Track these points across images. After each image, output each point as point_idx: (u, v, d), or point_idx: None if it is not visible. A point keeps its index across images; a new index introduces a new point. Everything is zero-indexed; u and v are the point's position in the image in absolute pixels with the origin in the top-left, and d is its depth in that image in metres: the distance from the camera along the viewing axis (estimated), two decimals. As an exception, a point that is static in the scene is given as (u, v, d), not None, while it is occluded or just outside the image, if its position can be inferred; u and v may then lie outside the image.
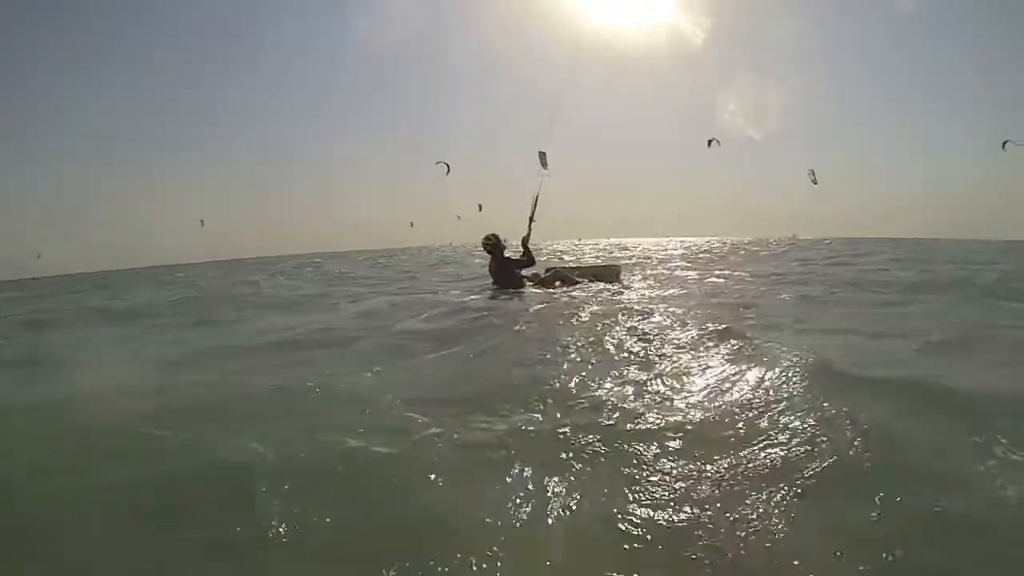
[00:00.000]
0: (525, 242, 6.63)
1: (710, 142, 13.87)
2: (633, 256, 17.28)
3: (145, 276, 23.74)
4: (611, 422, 2.19)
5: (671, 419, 2.20)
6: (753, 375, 2.72)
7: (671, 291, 6.71)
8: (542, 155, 13.32)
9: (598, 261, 13.58)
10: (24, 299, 13.38)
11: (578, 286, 6.75)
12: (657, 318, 4.43)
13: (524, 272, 6.82)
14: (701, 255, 17.24)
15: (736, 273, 9.50)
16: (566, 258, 16.01)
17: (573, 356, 3.34)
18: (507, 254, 6.80)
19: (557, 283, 6.84)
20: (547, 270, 7.44)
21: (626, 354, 3.29)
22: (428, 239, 46.11)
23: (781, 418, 2.16)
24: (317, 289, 9.81)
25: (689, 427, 2.12)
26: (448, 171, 16.37)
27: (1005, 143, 14.13)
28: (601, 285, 6.91)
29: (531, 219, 6.65)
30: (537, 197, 6.71)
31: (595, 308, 5.09)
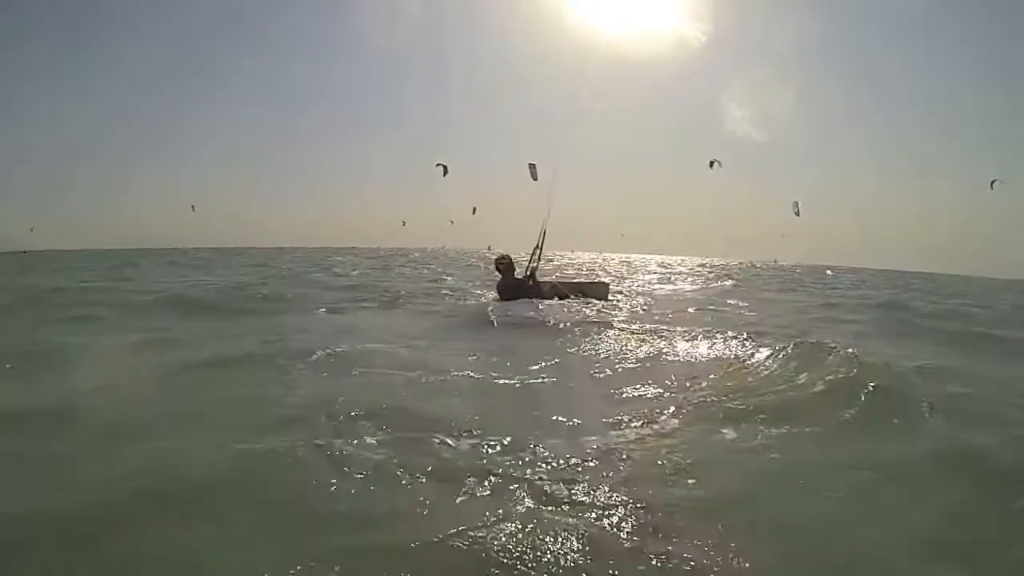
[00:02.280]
0: (533, 272, 6.99)
1: (712, 163, 14.35)
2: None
3: (163, 257, 24.34)
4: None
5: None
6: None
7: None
8: (532, 167, 13.57)
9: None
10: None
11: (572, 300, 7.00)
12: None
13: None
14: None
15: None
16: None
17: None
18: (517, 274, 7.09)
19: (555, 297, 7.03)
20: (544, 283, 7.48)
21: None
22: (420, 241, 46.12)
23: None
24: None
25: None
26: (446, 173, 16.36)
27: (993, 183, 14.93)
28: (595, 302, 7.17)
29: (539, 249, 7.05)
30: (544, 232, 7.15)
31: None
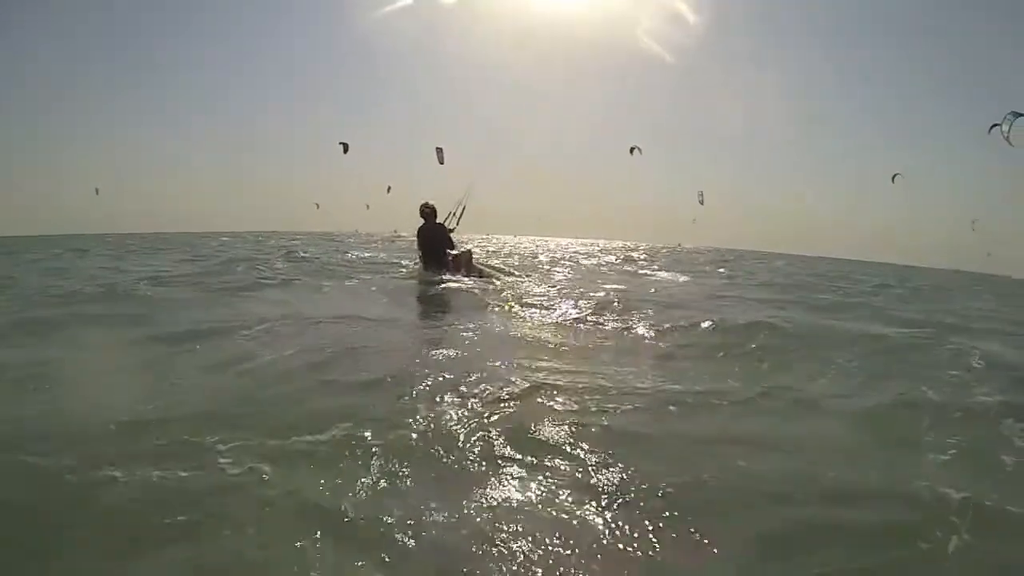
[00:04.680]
0: (452, 229, 7.82)
1: (632, 149, 14.52)
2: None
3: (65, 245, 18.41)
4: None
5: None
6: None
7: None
8: (439, 151, 13.71)
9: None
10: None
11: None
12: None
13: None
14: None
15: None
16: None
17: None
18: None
19: (461, 270, 7.56)
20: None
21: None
22: (332, 224, 43.62)
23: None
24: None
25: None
26: (346, 151, 15.68)
27: (895, 176, 15.87)
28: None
29: (458, 215, 7.86)
30: (464, 204, 7.94)
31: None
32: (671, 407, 2.50)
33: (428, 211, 7.58)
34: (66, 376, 2.85)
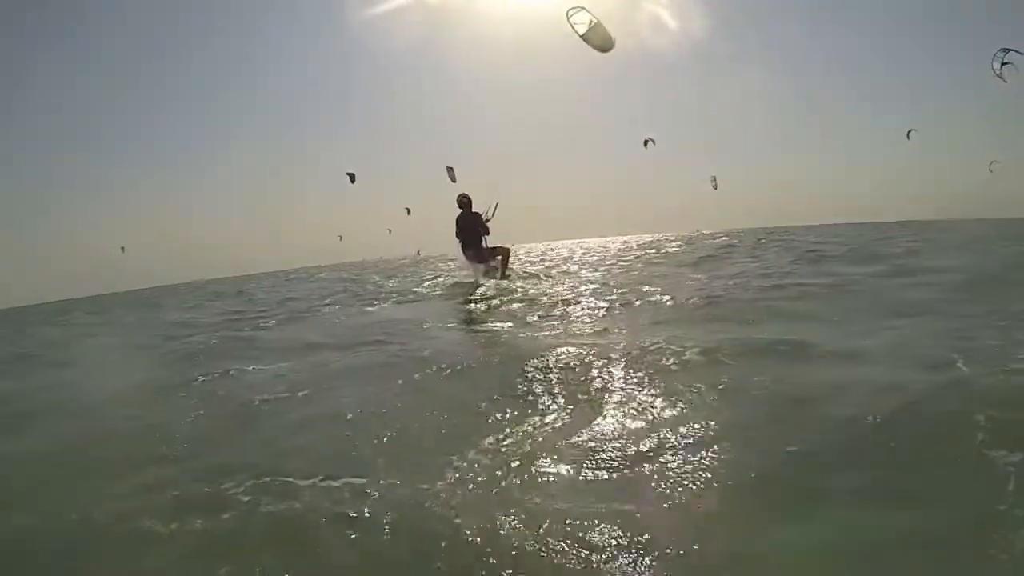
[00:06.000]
0: (487, 221, 8.63)
1: (646, 142, 14.07)
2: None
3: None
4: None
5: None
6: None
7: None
8: (450, 170, 13.46)
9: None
10: None
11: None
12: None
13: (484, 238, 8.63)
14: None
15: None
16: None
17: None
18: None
19: (498, 257, 8.50)
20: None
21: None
22: (359, 253, 44.16)
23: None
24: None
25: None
26: (353, 181, 15.41)
27: (909, 132, 15.67)
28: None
29: (493, 209, 8.54)
30: (496, 204, 8.63)
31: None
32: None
33: (465, 200, 8.54)
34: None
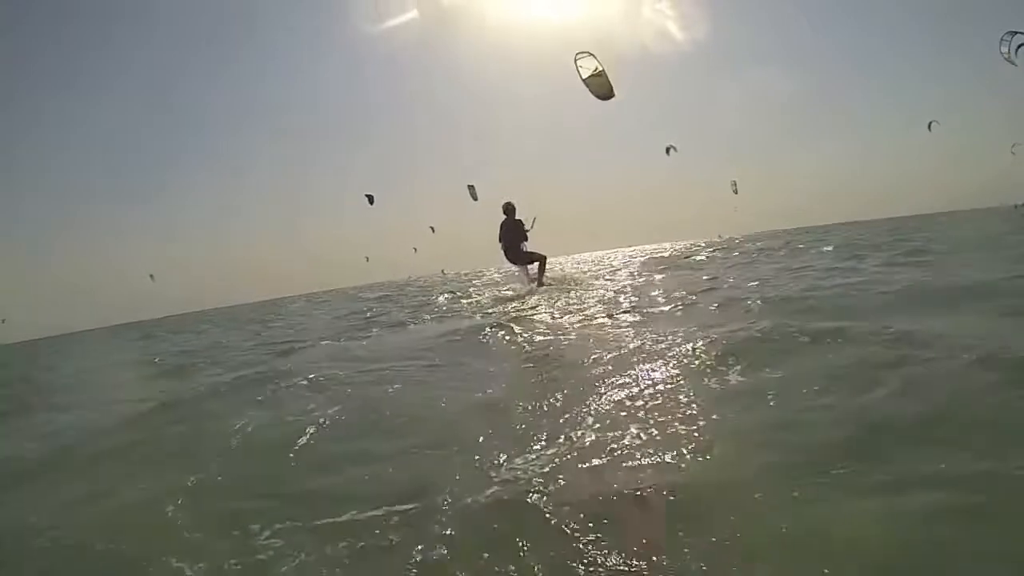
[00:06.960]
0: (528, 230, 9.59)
1: (668, 149, 14.90)
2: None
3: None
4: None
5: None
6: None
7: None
8: (471, 188, 13.65)
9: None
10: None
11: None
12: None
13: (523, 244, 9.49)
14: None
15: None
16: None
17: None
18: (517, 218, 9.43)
19: (535, 263, 9.38)
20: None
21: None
22: (386, 274, 44.71)
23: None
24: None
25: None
26: (372, 202, 15.33)
27: (931, 123, 15.59)
28: None
29: (532, 222, 9.45)
30: (535, 218, 9.53)
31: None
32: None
33: (509, 208, 9.42)
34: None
